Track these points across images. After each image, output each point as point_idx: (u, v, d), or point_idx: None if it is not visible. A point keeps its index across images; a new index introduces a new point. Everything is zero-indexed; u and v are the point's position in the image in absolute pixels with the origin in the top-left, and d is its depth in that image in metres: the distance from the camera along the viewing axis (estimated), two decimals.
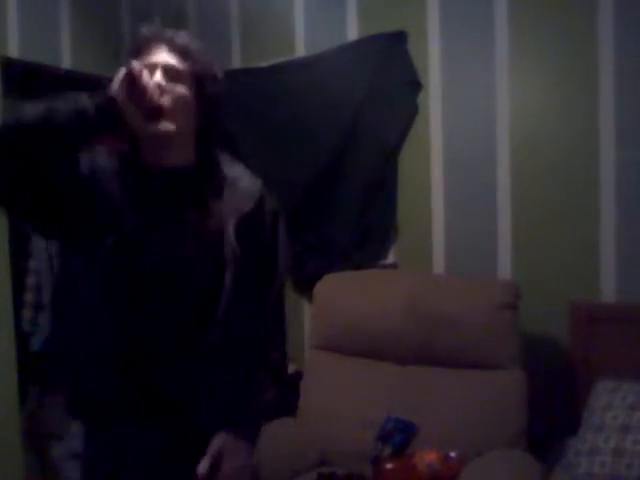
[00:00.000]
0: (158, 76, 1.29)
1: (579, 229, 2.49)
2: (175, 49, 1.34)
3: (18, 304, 2.82)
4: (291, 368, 2.95)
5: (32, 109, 1.21)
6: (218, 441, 1.33)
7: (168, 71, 1.31)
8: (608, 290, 2.44)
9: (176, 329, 1.34)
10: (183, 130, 1.34)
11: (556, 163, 2.53)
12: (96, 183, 1.32)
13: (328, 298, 2.67)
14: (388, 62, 2.82)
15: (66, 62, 3.08)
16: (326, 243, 3.00)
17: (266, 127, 3.11)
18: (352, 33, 2.94)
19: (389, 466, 2.19)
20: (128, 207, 1.32)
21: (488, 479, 2.03)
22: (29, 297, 2.99)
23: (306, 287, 2.93)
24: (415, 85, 2.79)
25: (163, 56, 1.32)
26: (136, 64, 1.24)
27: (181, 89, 1.31)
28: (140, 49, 1.34)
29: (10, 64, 2.79)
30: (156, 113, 1.27)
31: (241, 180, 1.43)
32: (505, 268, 2.64)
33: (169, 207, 1.35)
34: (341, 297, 2.64)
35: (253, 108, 3.15)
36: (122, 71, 1.24)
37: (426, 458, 2.15)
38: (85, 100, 1.23)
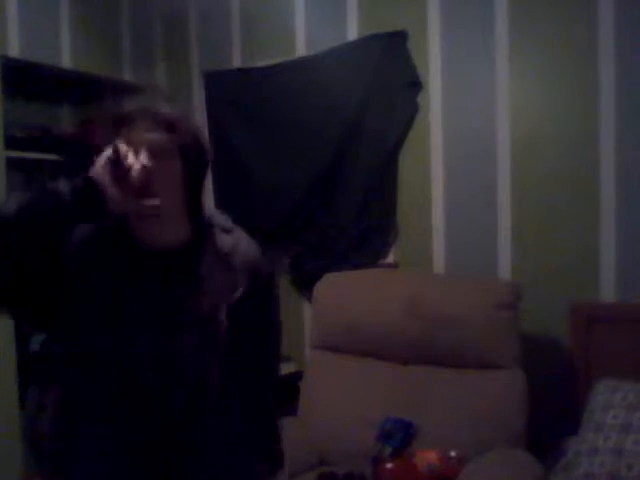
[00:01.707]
0: (143, 157, 1.23)
1: (579, 229, 2.49)
2: (160, 123, 1.27)
3: None
4: (291, 368, 2.95)
5: (11, 203, 1.18)
6: None
7: (154, 148, 1.26)
8: (608, 290, 2.44)
9: (172, 414, 1.32)
10: (171, 206, 1.29)
11: (556, 163, 2.53)
12: (84, 264, 1.30)
13: (328, 298, 2.67)
14: (388, 62, 2.83)
15: (66, 62, 3.08)
16: (326, 243, 3.00)
17: (266, 127, 3.11)
18: (352, 33, 2.94)
19: (389, 466, 2.19)
20: (119, 291, 1.29)
21: (488, 479, 2.03)
22: None
23: (306, 287, 2.93)
24: (415, 85, 2.79)
25: (147, 132, 1.26)
26: (122, 147, 1.21)
27: (168, 165, 1.27)
28: (122, 123, 1.28)
29: (10, 64, 2.79)
30: (143, 193, 1.23)
31: (237, 252, 1.38)
32: (505, 268, 2.64)
33: (163, 290, 1.32)
34: (341, 297, 2.64)
35: (253, 108, 3.15)
36: (106, 153, 1.21)
37: (426, 458, 2.15)
38: (62, 185, 1.20)
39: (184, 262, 1.34)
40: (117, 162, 1.20)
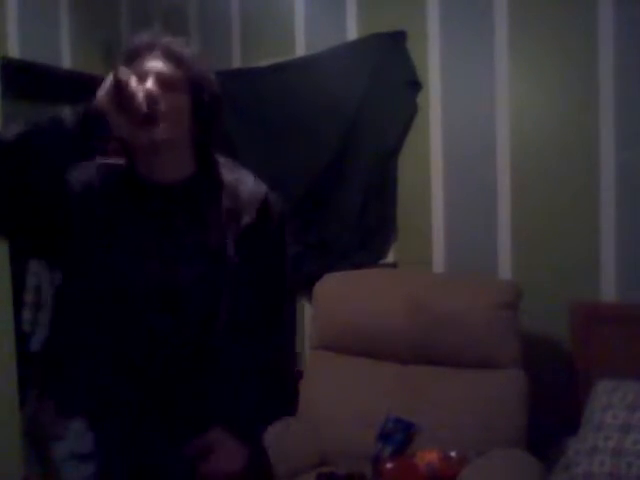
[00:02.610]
0: (149, 83, 1.23)
1: (579, 229, 2.49)
2: (169, 56, 1.29)
3: (18, 304, 2.82)
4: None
5: (12, 129, 1.18)
6: (211, 434, 1.31)
7: (161, 79, 1.25)
8: (608, 290, 2.44)
9: (179, 345, 1.31)
10: (179, 139, 1.30)
11: (556, 163, 2.53)
12: (87, 201, 1.29)
13: (328, 298, 2.67)
14: (388, 62, 2.83)
15: (66, 62, 3.08)
16: (326, 243, 3.00)
17: (266, 127, 3.11)
18: (352, 33, 2.94)
19: (389, 466, 2.19)
20: (122, 226, 1.29)
21: (488, 479, 2.03)
22: (29, 297, 2.99)
23: (306, 287, 2.93)
24: (415, 85, 2.79)
25: (156, 63, 1.27)
26: (123, 71, 1.20)
27: (175, 96, 1.27)
28: (133, 56, 1.30)
29: (10, 64, 2.79)
30: (148, 121, 1.21)
31: (243, 186, 1.36)
32: (505, 268, 2.64)
33: (166, 225, 1.31)
34: (341, 297, 2.64)
35: (253, 108, 3.15)
36: (109, 78, 1.20)
37: (426, 458, 2.15)
38: (66, 111, 1.19)
39: (188, 195, 1.33)
40: (120, 87, 1.18)
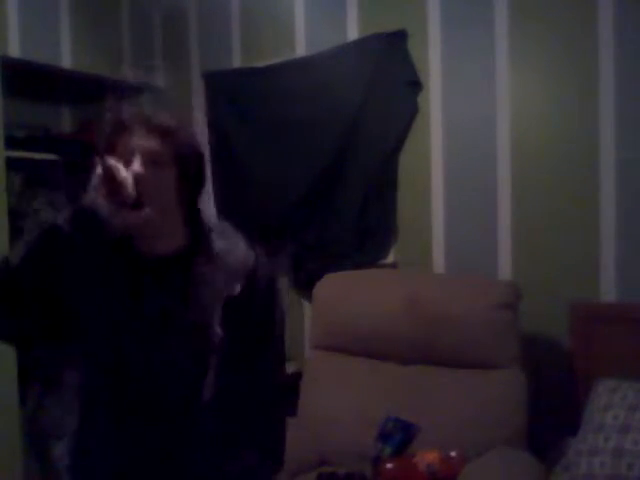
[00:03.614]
0: (136, 165, 1.23)
1: (579, 229, 2.49)
2: (154, 130, 1.27)
3: None
4: (291, 368, 2.95)
5: (14, 253, 1.22)
6: None
7: (147, 157, 1.25)
8: (608, 290, 2.44)
9: (164, 420, 1.32)
10: (168, 213, 1.30)
11: (556, 163, 2.53)
12: (84, 279, 1.30)
13: (328, 298, 2.67)
14: (388, 62, 2.82)
15: (66, 62, 3.08)
16: (326, 243, 3.00)
17: (266, 127, 3.11)
18: (352, 33, 2.94)
19: (389, 466, 2.19)
20: (113, 301, 1.30)
21: (488, 479, 2.03)
22: None
23: (306, 287, 2.93)
24: (415, 85, 2.79)
25: (141, 140, 1.26)
26: (111, 162, 1.19)
27: (162, 173, 1.27)
28: (117, 131, 1.28)
29: (10, 63, 2.79)
30: (137, 204, 1.22)
31: (233, 256, 1.35)
32: (505, 268, 2.64)
33: (156, 299, 1.31)
34: (341, 297, 2.64)
35: (253, 108, 3.15)
36: (97, 173, 1.20)
37: (426, 458, 2.14)
38: (58, 219, 1.21)
39: (178, 267, 1.33)
40: (109, 178, 1.19)
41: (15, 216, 2.89)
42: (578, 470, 1.98)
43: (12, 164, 2.81)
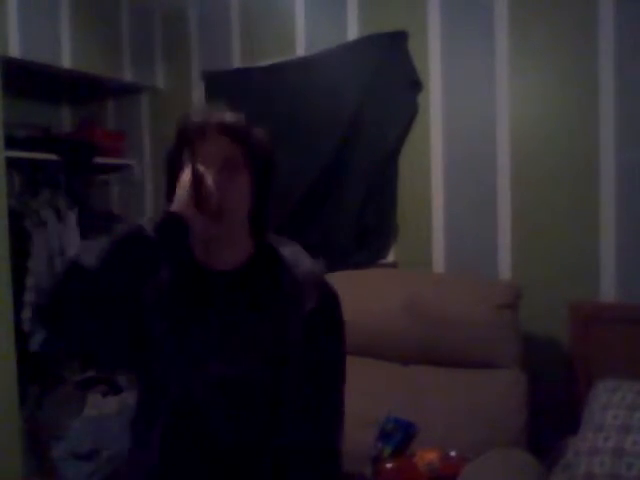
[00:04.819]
0: (218, 173, 1.19)
1: (579, 229, 2.49)
2: (229, 133, 1.24)
3: (18, 304, 2.82)
4: None
5: (90, 250, 1.12)
6: None
7: (228, 163, 1.22)
8: (608, 290, 2.44)
9: (238, 446, 1.26)
10: (241, 223, 1.27)
11: (556, 163, 2.53)
12: (158, 299, 1.26)
13: None
14: (388, 62, 2.82)
15: (66, 62, 3.08)
16: (326, 243, 2.99)
17: (266, 127, 3.11)
18: (352, 33, 2.94)
19: (389, 466, 2.19)
20: (183, 318, 1.25)
21: (488, 479, 2.03)
22: (29, 297, 2.99)
23: None
24: (415, 85, 2.79)
25: (221, 145, 1.23)
26: (200, 170, 1.15)
27: (240, 180, 1.23)
28: (195, 135, 1.23)
29: (10, 63, 2.79)
30: (219, 213, 1.18)
31: (301, 267, 1.31)
32: (505, 268, 2.64)
33: (227, 314, 1.26)
34: (341, 297, 2.63)
35: (253, 108, 3.13)
36: (185, 181, 1.16)
37: (426, 458, 2.14)
38: (144, 225, 1.13)
39: (247, 280, 1.28)
40: (198, 188, 1.15)
41: (15, 216, 2.89)
42: (578, 470, 1.98)
43: (12, 164, 2.81)
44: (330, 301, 1.35)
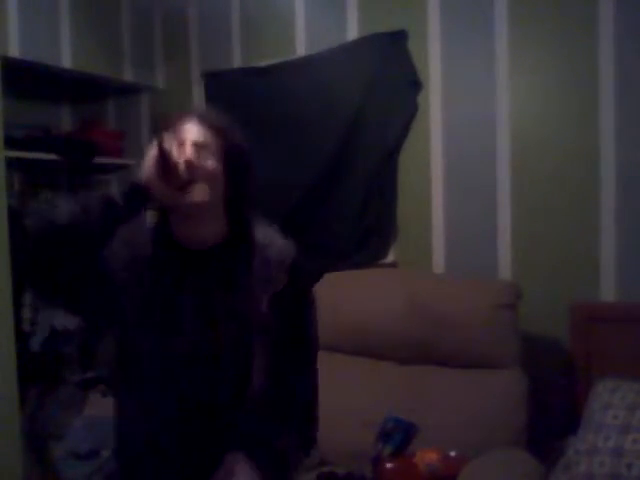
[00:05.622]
0: (188, 152, 1.30)
1: (579, 229, 2.49)
2: (205, 124, 1.35)
3: (18, 304, 2.82)
4: None
5: (62, 207, 1.25)
6: (230, 458, 1.34)
7: (199, 146, 1.32)
8: (608, 290, 2.44)
9: (212, 407, 1.37)
10: (213, 202, 1.34)
11: (556, 163, 2.53)
12: (130, 268, 1.36)
13: (328, 298, 2.67)
14: (388, 62, 2.82)
15: (66, 62, 3.08)
16: (326, 243, 2.99)
17: (266, 127, 3.11)
18: (352, 33, 2.94)
19: (389, 466, 2.19)
20: (161, 292, 1.35)
21: (488, 479, 2.03)
22: (29, 297, 2.99)
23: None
24: (415, 84, 2.79)
25: (194, 130, 1.33)
26: (166, 142, 1.26)
27: (211, 163, 1.32)
28: (175, 120, 1.36)
29: (10, 63, 2.79)
30: (187, 185, 1.28)
31: (273, 248, 1.41)
32: (505, 268, 2.64)
33: (201, 290, 1.36)
34: (341, 297, 2.64)
35: (253, 108, 3.15)
36: (151, 151, 1.27)
37: (426, 458, 2.14)
38: (111, 191, 1.28)
39: (221, 260, 1.38)
40: (163, 157, 1.24)
41: (15, 216, 2.89)
42: (578, 470, 1.98)
43: (12, 164, 2.81)
44: (300, 280, 1.44)
